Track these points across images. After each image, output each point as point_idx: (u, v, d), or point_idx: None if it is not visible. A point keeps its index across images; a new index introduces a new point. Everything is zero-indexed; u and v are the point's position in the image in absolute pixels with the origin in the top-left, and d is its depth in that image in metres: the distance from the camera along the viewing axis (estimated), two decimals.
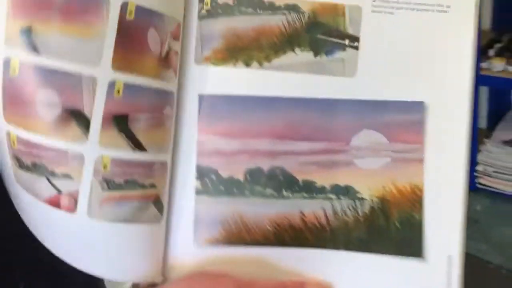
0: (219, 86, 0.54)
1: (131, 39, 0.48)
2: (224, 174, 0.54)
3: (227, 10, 0.53)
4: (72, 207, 0.47)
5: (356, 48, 0.53)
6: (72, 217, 0.48)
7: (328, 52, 0.53)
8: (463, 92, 0.52)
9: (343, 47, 0.53)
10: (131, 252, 0.51)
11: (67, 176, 0.47)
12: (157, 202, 0.52)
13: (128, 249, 0.51)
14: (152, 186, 0.51)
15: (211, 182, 0.54)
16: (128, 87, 0.48)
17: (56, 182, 0.47)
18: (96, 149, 0.47)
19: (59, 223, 0.49)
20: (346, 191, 0.53)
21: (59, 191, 0.47)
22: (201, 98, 0.54)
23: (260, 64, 0.53)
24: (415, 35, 0.53)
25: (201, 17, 0.54)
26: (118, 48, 0.47)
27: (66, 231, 0.49)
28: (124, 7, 0.47)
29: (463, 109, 0.52)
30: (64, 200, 0.47)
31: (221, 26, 0.54)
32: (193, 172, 0.54)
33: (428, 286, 0.53)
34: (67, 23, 0.46)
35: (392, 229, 0.53)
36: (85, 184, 0.47)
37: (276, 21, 0.53)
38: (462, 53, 0.52)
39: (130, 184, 0.49)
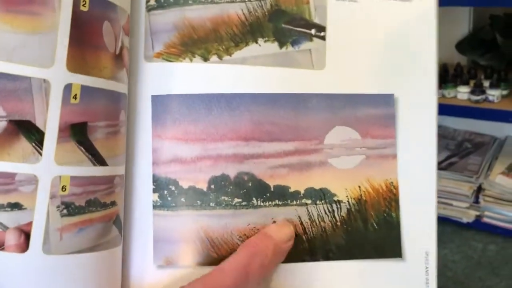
0: (174, 85, 0.49)
1: (86, 34, 0.42)
2: (185, 184, 0.49)
3: None
4: (22, 245, 0.40)
5: (323, 38, 0.50)
6: (21, 258, 0.40)
7: (294, 43, 0.50)
8: (430, 82, 0.52)
9: (309, 37, 0.50)
10: (90, 282, 0.44)
11: (15, 206, 0.40)
12: (117, 222, 0.46)
13: (87, 280, 0.44)
14: (113, 204, 0.45)
15: (170, 194, 0.49)
16: (85, 90, 0.41)
17: None
18: (52, 168, 0.40)
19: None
20: (322, 195, 0.51)
21: (3, 227, 0.39)
22: (154, 99, 0.49)
23: (220, 57, 0.49)
24: (380, 24, 0.51)
25: (149, 8, 0.49)
26: (73, 44, 0.40)
27: (10, 279, 0.40)
28: None
29: (431, 100, 0.52)
30: (11, 238, 0.40)
31: (173, 17, 0.49)
32: (149, 184, 0.49)
33: (408, 284, 0.52)
34: (9, 15, 0.38)
35: (370, 231, 0.51)
36: (40, 213, 0.40)
37: (236, 10, 0.49)
38: (426, 43, 0.52)
39: (92, 205, 0.43)
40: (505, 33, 1.90)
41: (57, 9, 0.39)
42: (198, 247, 0.49)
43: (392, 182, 0.51)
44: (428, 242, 0.52)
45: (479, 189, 1.98)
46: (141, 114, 0.49)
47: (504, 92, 1.85)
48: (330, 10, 0.51)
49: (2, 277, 0.40)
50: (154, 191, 0.49)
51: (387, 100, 0.51)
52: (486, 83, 1.88)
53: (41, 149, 0.40)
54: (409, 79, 0.52)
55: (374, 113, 0.51)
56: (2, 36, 0.38)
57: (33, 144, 0.40)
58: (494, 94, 1.83)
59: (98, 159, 0.43)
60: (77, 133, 0.41)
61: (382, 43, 0.51)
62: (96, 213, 0.43)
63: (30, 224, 0.40)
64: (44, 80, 0.39)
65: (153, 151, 0.49)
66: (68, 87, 0.40)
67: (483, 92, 1.85)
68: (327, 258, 0.50)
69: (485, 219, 1.95)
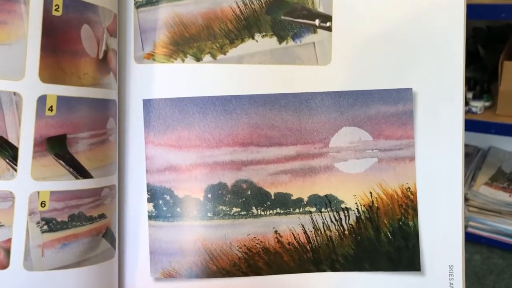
0: (166, 88, 0.49)
1: (61, 41, 0.41)
2: (180, 193, 0.49)
3: None
4: (3, 262, 0.41)
5: (329, 29, 0.48)
6: (2, 275, 0.41)
7: (295, 36, 0.49)
8: (455, 73, 0.48)
9: (313, 29, 0.49)
10: None
11: None
12: (108, 234, 0.46)
13: None
14: (102, 216, 0.45)
15: (165, 204, 0.49)
16: (62, 101, 0.41)
17: None
18: (29, 183, 0.41)
19: None
20: (327, 202, 0.49)
21: None
22: (146, 103, 0.48)
23: (214, 57, 0.48)
24: (398, 9, 0.48)
25: (138, 5, 0.48)
26: (45, 53, 0.40)
27: None
28: (48, 0, 0.40)
29: (457, 95, 0.48)
30: None
31: (163, 14, 0.48)
32: (144, 193, 0.48)
33: None
34: None
35: (384, 241, 0.49)
36: (19, 230, 0.41)
37: (229, 3, 0.48)
38: (452, 29, 0.48)
39: (76, 219, 0.43)
40: (488, 45, 1.93)
41: (25, 17, 0.39)
42: (196, 259, 0.49)
43: (409, 187, 0.49)
44: (453, 254, 0.49)
45: (463, 200, 1.96)
46: (132, 119, 0.49)
47: (487, 104, 1.88)
48: None
49: None
50: (149, 200, 0.49)
51: (404, 96, 0.48)
52: (469, 95, 1.90)
53: (16, 165, 0.40)
54: (431, 71, 0.48)
55: (388, 110, 0.49)
56: None
57: (7, 160, 0.40)
58: (477, 106, 1.86)
59: (81, 172, 0.43)
60: (55, 146, 0.41)
61: (400, 31, 0.48)
62: (81, 227, 0.44)
63: (9, 240, 0.41)
64: (15, 93, 0.39)
65: (146, 159, 0.48)
66: (42, 99, 0.40)
67: (466, 103, 1.87)
68: (333, 268, 0.49)
69: (470, 229, 1.95)
